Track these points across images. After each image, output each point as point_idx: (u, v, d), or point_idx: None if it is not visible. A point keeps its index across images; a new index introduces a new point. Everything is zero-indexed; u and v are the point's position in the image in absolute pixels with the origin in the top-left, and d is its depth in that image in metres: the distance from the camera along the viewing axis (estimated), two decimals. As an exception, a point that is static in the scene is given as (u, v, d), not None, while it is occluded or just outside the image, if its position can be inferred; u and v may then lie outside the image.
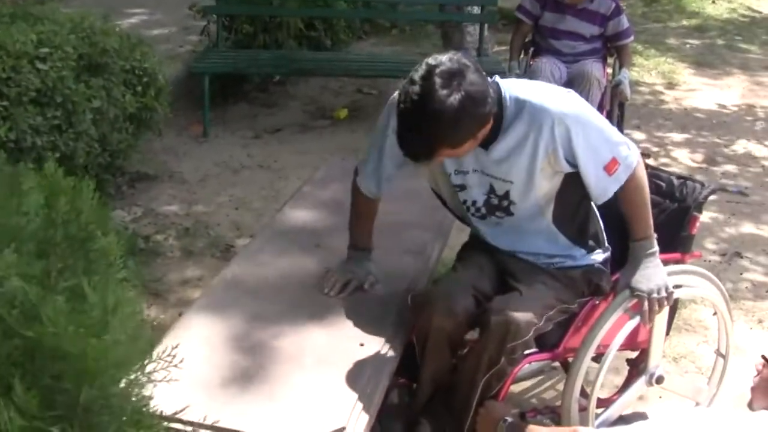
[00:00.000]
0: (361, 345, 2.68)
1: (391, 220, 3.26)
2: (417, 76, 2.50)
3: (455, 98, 2.45)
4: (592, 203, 2.92)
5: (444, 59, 2.51)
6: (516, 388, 3.54)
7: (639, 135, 6.75)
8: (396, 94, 2.71)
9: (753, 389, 2.40)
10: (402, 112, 2.53)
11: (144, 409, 1.43)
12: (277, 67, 6.83)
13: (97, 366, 1.31)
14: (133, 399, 1.41)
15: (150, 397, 1.51)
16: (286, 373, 2.53)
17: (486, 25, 7.45)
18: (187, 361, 2.52)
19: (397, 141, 2.59)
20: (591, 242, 2.98)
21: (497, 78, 2.72)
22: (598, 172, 2.73)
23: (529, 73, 5.70)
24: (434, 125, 2.48)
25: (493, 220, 2.92)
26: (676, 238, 3.08)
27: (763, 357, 2.38)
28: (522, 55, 6.04)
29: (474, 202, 2.90)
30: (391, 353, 2.71)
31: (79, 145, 4.40)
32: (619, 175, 2.75)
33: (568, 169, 2.73)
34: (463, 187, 2.88)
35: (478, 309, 2.82)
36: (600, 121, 2.78)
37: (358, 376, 2.54)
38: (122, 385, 1.39)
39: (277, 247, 3.30)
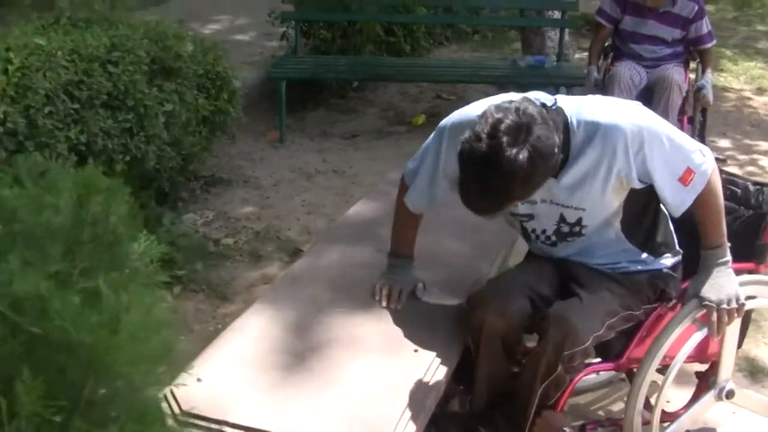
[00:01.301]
0: (415, 351, 2.62)
1: (453, 225, 3.20)
2: (483, 133, 2.36)
3: (524, 156, 2.33)
4: (661, 206, 2.81)
5: (509, 113, 2.38)
6: (582, 399, 3.45)
7: (724, 142, 6.56)
8: (449, 120, 2.74)
9: None
10: (468, 171, 2.41)
11: (153, 405, 1.38)
12: (354, 72, 6.81)
13: (103, 360, 1.27)
14: (143, 395, 1.37)
15: (161, 395, 1.46)
16: (336, 376, 2.49)
17: (567, 30, 7.33)
18: (238, 360, 2.54)
19: (462, 198, 2.46)
20: (660, 246, 2.88)
21: (560, 101, 2.62)
22: (674, 184, 2.63)
23: (607, 78, 5.58)
24: (503, 185, 2.39)
25: (563, 245, 2.85)
26: (751, 246, 2.95)
27: None
28: (601, 60, 5.92)
29: (543, 231, 2.83)
30: (445, 361, 2.65)
31: (150, 148, 4.42)
32: (695, 184, 2.65)
33: (640, 185, 2.63)
34: (531, 217, 2.79)
35: (535, 312, 2.75)
36: (671, 131, 2.66)
37: (409, 382, 2.48)
38: (131, 381, 1.35)
39: (338, 250, 3.26)
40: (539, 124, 2.39)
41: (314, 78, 6.90)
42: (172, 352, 1.39)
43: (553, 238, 2.83)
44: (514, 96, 2.55)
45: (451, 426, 2.86)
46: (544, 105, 2.53)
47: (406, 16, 7.58)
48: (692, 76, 5.89)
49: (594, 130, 2.57)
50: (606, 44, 5.95)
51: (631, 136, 2.55)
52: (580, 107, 2.62)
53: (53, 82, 3.88)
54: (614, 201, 2.69)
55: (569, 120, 2.58)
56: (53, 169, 1.62)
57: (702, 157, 2.67)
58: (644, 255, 2.85)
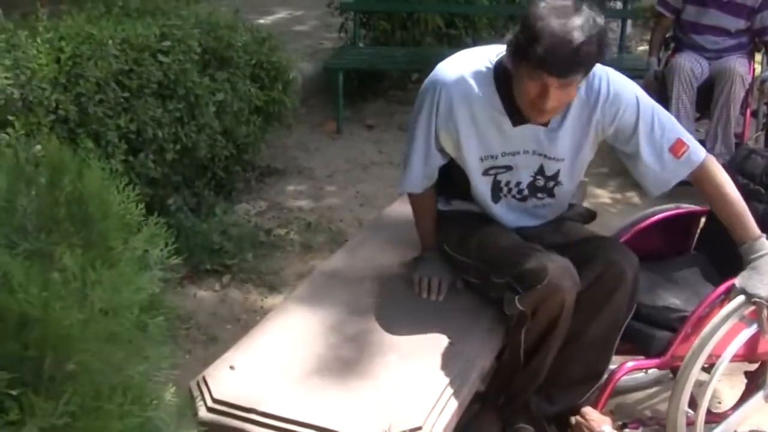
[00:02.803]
0: (451, 343, 2.57)
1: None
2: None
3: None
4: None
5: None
6: (630, 398, 3.37)
7: (790, 136, 6.38)
8: (434, 77, 2.71)
9: None
10: (555, 25, 2.36)
11: (124, 387, 1.36)
12: (412, 63, 6.76)
13: (62, 336, 1.26)
14: (111, 374, 1.35)
15: (137, 375, 1.43)
16: (368, 367, 2.46)
17: (629, 21, 7.20)
18: (272, 350, 2.52)
19: (548, 55, 2.37)
20: None
21: None
22: (664, 154, 2.66)
23: (667, 70, 5.47)
24: (595, 31, 2.38)
25: (531, 202, 2.85)
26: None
27: None
28: (662, 51, 5.80)
29: (518, 183, 2.81)
30: (482, 353, 2.60)
31: (202, 137, 4.42)
32: (689, 158, 2.68)
33: (612, 135, 2.70)
34: (509, 168, 2.76)
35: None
36: (662, 108, 2.75)
37: (443, 375, 2.44)
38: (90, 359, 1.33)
39: (380, 241, 3.23)
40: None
41: (371, 68, 6.87)
42: (145, 333, 1.37)
43: (525, 192, 2.82)
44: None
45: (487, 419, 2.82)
46: None
47: (467, 7, 7.49)
48: (758, 68, 5.75)
49: (586, 80, 2.60)
50: (667, 35, 5.83)
51: (614, 90, 2.62)
52: None
53: (104, 70, 3.89)
54: (587, 154, 2.76)
55: None
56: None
57: (694, 140, 2.73)
58: None
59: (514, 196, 2.84)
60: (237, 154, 4.98)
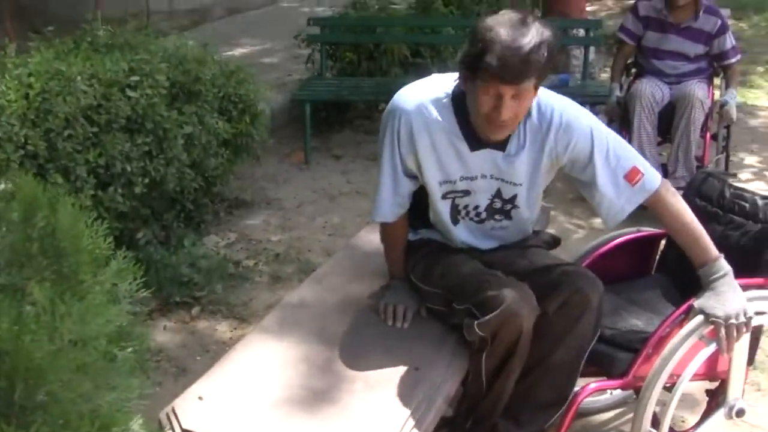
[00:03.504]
0: (416, 369, 2.62)
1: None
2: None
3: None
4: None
5: None
6: (596, 419, 3.43)
7: (751, 158, 6.51)
8: (394, 105, 2.76)
9: None
10: (504, 24, 2.47)
11: (93, 416, 1.39)
12: (379, 93, 6.82)
13: (34, 367, 1.30)
14: (80, 404, 1.38)
15: (105, 405, 1.47)
16: (336, 396, 2.49)
17: (592, 48, 7.32)
18: (241, 380, 2.56)
19: (499, 63, 2.45)
20: None
21: None
22: (618, 180, 2.72)
23: (629, 95, 5.56)
24: (544, 38, 2.47)
25: (489, 224, 2.90)
26: (759, 261, 2.92)
27: None
28: (624, 77, 5.91)
29: (476, 207, 2.86)
30: (447, 378, 2.65)
31: (170, 170, 4.46)
32: (644, 185, 2.73)
33: (567, 164, 2.76)
34: (467, 193, 2.82)
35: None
36: (617, 136, 2.82)
37: (409, 400, 2.48)
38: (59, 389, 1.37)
39: (347, 271, 3.27)
40: None
41: (338, 99, 6.95)
42: (114, 364, 1.40)
43: (483, 214, 2.88)
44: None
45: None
46: None
47: (433, 37, 7.58)
48: (717, 92, 5.86)
49: (539, 109, 2.69)
50: (629, 61, 5.95)
51: (566, 120, 2.68)
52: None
53: (73, 106, 3.93)
54: (542, 182, 2.81)
55: None
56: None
57: (650, 167, 2.79)
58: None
59: (472, 219, 2.89)
60: (206, 186, 5.01)
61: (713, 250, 2.74)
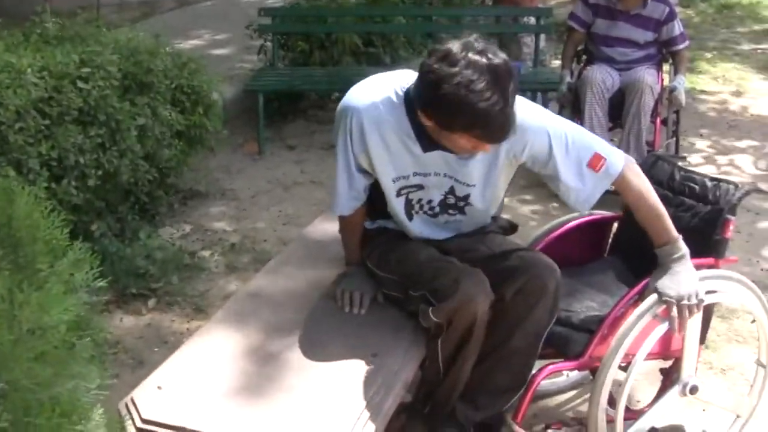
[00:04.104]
0: (374, 355, 2.64)
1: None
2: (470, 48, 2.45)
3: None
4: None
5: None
6: (554, 401, 3.47)
7: (702, 143, 6.60)
8: (346, 103, 2.73)
9: None
10: (482, 83, 2.40)
11: (53, 403, 1.40)
12: (331, 83, 6.84)
13: None
14: (40, 392, 1.39)
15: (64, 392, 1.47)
16: (294, 383, 2.50)
17: (543, 36, 7.37)
18: (199, 369, 2.56)
19: (489, 133, 2.48)
20: None
21: None
22: (581, 170, 2.71)
23: (579, 82, 5.61)
24: (512, 83, 2.45)
25: (443, 218, 2.91)
26: (709, 242, 2.97)
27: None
28: (575, 64, 5.96)
29: (429, 201, 2.87)
30: (405, 364, 2.67)
31: (123, 162, 4.43)
32: (608, 170, 2.72)
33: (527, 160, 2.74)
34: (420, 187, 2.82)
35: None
36: (574, 125, 2.79)
37: (367, 386, 2.49)
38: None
39: (303, 260, 3.27)
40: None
41: (290, 89, 6.95)
42: (72, 351, 1.41)
43: (437, 209, 2.88)
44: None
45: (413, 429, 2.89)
46: None
47: (384, 26, 7.61)
48: (666, 78, 5.93)
49: None
50: (579, 48, 5.99)
51: (519, 122, 2.57)
52: None
53: (24, 98, 3.90)
54: (501, 180, 2.81)
55: None
56: None
57: (610, 148, 2.76)
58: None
59: (426, 213, 2.90)
60: (160, 178, 4.99)
61: (673, 231, 2.77)
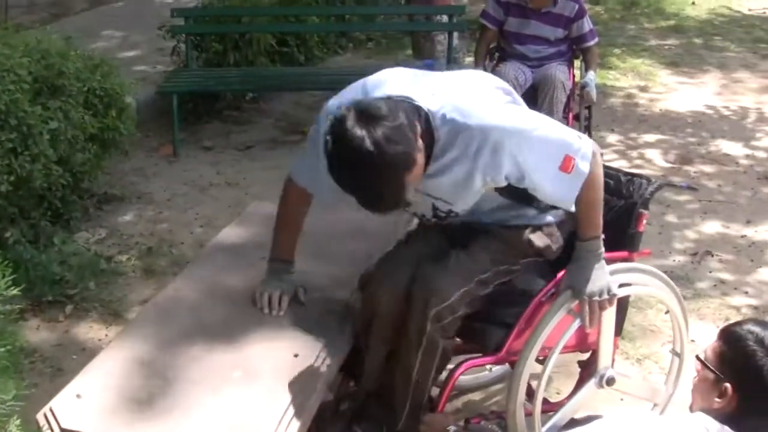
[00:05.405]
0: (296, 356, 2.64)
1: (335, 229, 3.25)
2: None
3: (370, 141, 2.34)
4: None
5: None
6: (477, 396, 3.52)
7: (613, 137, 6.70)
8: (326, 111, 2.67)
9: (692, 391, 2.31)
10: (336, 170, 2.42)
11: None
12: (245, 84, 6.80)
13: None
14: None
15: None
16: (215, 386, 2.50)
17: (456, 34, 7.43)
18: (117, 376, 2.53)
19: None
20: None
21: (426, 98, 2.57)
22: (555, 174, 2.62)
23: (493, 79, 5.67)
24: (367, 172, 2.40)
25: (447, 222, 2.88)
26: (623, 235, 3.03)
27: (697, 358, 2.30)
28: (488, 61, 6.02)
29: (423, 215, 2.89)
30: (327, 363, 2.67)
31: (36, 167, 4.36)
32: (579, 168, 2.64)
33: (505, 183, 2.65)
34: (408, 204, 2.75)
35: None
36: (540, 124, 2.65)
37: (289, 388, 2.50)
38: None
39: (221, 262, 3.25)
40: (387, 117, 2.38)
41: (204, 91, 6.89)
42: None
43: (433, 220, 2.87)
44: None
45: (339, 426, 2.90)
46: (405, 102, 2.52)
47: (298, 26, 7.60)
48: (577, 74, 6.03)
49: (455, 131, 2.56)
50: (492, 45, 6.05)
51: (493, 139, 2.54)
52: (445, 104, 2.58)
53: (-71, 104, 3.82)
54: (478, 195, 2.71)
55: (432, 117, 2.55)
56: None
57: (579, 141, 2.66)
58: (532, 211, 2.88)
59: (428, 220, 2.89)
60: (74, 182, 4.92)
61: (595, 230, 2.78)
